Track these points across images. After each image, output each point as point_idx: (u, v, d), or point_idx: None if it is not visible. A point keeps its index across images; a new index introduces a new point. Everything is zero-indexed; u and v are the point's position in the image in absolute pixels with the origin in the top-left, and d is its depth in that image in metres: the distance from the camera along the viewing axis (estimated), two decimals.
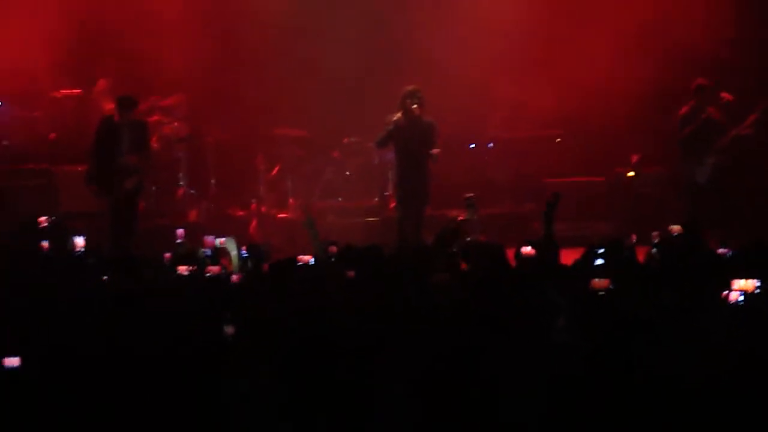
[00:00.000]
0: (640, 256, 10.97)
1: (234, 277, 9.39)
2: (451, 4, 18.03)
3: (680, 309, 7.03)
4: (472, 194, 14.95)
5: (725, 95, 15.36)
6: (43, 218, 11.85)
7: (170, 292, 8.45)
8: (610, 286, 7.29)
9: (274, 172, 17.68)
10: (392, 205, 16.96)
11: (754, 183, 16.53)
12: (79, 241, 10.30)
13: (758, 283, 7.24)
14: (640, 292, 7.42)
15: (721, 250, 10.51)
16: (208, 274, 8.97)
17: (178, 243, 10.84)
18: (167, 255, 10.80)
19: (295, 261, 9.97)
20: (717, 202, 15.38)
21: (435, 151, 14.47)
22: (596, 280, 7.33)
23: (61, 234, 11.27)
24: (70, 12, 17.17)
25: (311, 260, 10.15)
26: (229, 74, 17.81)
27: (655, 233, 11.96)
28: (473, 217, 14.83)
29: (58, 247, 10.55)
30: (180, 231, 11.07)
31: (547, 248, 9.97)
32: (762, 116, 15.41)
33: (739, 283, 7.24)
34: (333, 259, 10.11)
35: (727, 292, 7.27)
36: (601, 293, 7.26)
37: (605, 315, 6.94)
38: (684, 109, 15.46)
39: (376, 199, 17.63)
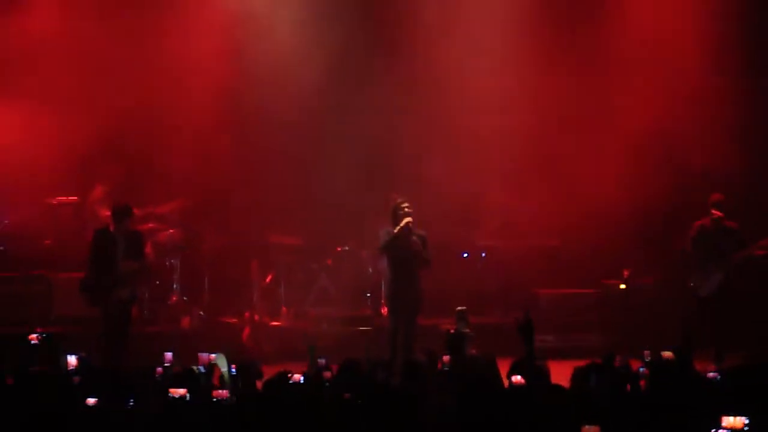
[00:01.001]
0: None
1: (224, 393, 9.41)
2: (443, 111, 18.19)
3: None
4: (464, 307, 15.04)
5: (715, 195, 15.50)
6: (34, 336, 11.80)
7: (163, 417, 8.46)
8: None
9: (268, 279, 17.76)
10: (385, 313, 17.05)
11: (756, 305, 16.67)
12: (72, 360, 10.30)
13: (746, 421, 7.27)
14: None
15: (710, 374, 10.59)
16: (214, 399, 9.00)
17: (167, 366, 10.74)
18: (159, 370, 10.83)
19: (287, 379, 10.01)
20: (715, 317, 15.42)
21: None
22: (587, 427, 7.34)
23: (53, 352, 11.25)
24: (65, 119, 17.32)
25: (301, 378, 10.16)
26: (224, 182, 17.95)
27: (646, 352, 12.05)
28: (465, 329, 14.90)
29: (50, 366, 10.54)
30: (168, 355, 10.97)
31: (532, 372, 10.01)
32: None
33: (728, 420, 7.28)
34: (327, 384, 10.12)
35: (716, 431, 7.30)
36: None
37: None
38: (702, 222, 15.53)
39: (369, 307, 17.70)
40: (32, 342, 11.81)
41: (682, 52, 17.79)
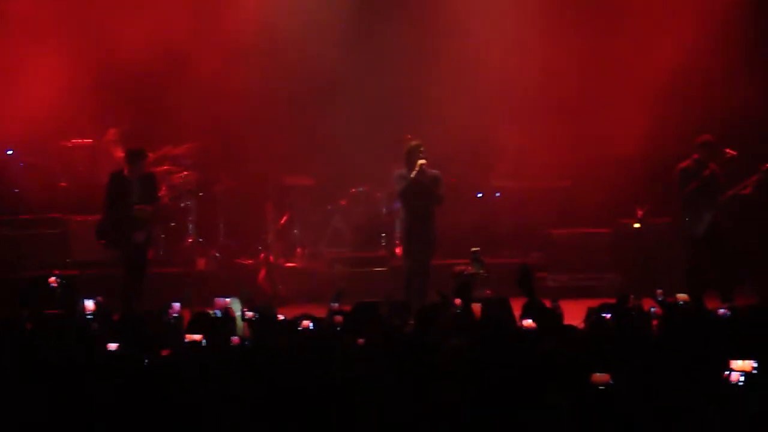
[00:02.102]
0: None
1: (235, 340, 9.48)
2: (457, 52, 18.13)
3: (681, 401, 7.09)
4: (478, 248, 15.08)
5: (729, 151, 15.45)
6: (53, 279, 11.86)
7: (181, 362, 8.54)
8: (611, 381, 7.33)
9: (283, 221, 17.80)
10: (399, 254, 17.11)
11: (750, 242, 16.73)
12: (89, 305, 10.37)
13: (755, 364, 7.32)
14: (641, 385, 7.46)
15: (721, 311, 10.63)
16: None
17: (174, 317, 10.77)
18: (176, 306, 10.90)
19: (297, 325, 10.02)
20: (712, 257, 15.46)
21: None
22: (597, 375, 7.38)
23: (71, 296, 11.32)
24: (80, 60, 17.31)
25: (311, 325, 10.15)
26: (239, 123, 17.94)
27: (659, 291, 12.08)
28: (480, 271, 14.97)
29: (68, 310, 10.61)
30: (176, 305, 11.00)
31: (543, 316, 10.07)
32: (763, 177, 15.51)
33: (737, 364, 7.32)
34: (339, 328, 10.17)
35: (727, 373, 7.35)
36: (602, 388, 7.31)
37: (607, 413, 7.00)
38: (686, 163, 15.55)
39: (383, 248, 17.77)
40: (51, 285, 11.83)
41: None
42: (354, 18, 18.20)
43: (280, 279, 17.04)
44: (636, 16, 18.07)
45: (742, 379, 7.31)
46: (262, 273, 16.99)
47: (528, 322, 9.62)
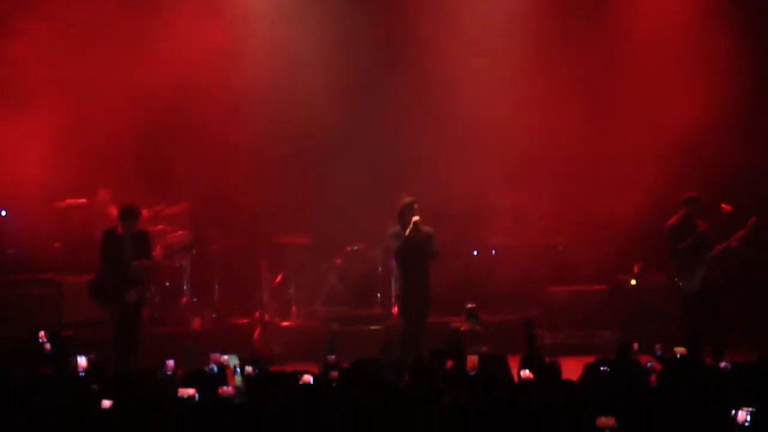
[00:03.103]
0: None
1: (230, 390, 9.40)
2: (451, 111, 18.18)
3: None
4: (473, 304, 15.00)
5: (725, 206, 15.48)
6: (42, 333, 11.71)
7: (174, 417, 8.44)
8: (616, 425, 7.25)
9: (278, 279, 17.74)
10: (395, 312, 17.05)
11: (741, 296, 16.74)
12: (82, 362, 10.27)
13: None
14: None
15: (722, 365, 10.57)
16: (220, 395, 8.97)
17: (168, 374, 10.67)
18: (170, 363, 10.79)
19: (297, 380, 9.96)
20: (706, 313, 15.43)
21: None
22: (603, 418, 7.30)
23: (63, 352, 11.22)
24: (72, 120, 17.31)
25: (311, 380, 10.09)
26: (234, 181, 17.93)
27: (657, 345, 12.02)
28: (475, 327, 14.86)
29: (59, 367, 10.50)
30: (170, 362, 10.90)
31: (542, 367, 10.00)
32: (750, 231, 15.53)
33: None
34: (334, 384, 10.08)
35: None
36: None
37: None
38: (674, 220, 15.62)
39: (379, 306, 17.70)
40: (41, 341, 11.69)
41: (696, 55, 17.82)
42: (350, 79, 18.25)
43: (275, 338, 16.94)
44: (631, 79, 18.14)
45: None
46: (257, 332, 16.90)
47: (526, 373, 9.55)
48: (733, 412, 7.35)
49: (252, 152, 18.07)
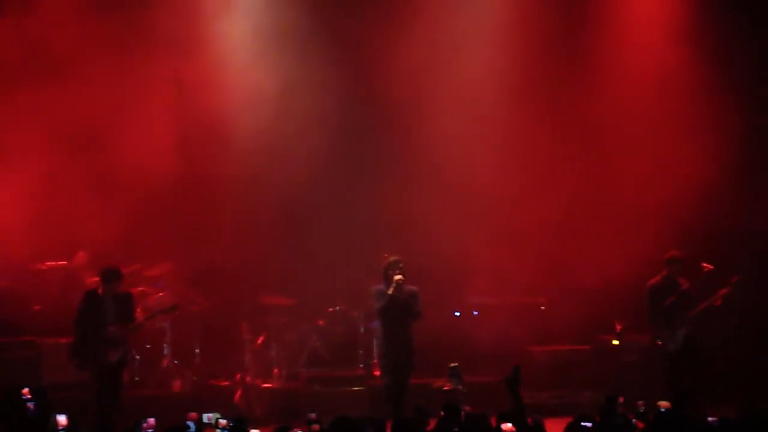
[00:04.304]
0: None
1: None
2: (433, 170, 18.23)
3: None
4: (456, 364, 14.93)
5: (706, 265, 15.55)
6: (25, 390, 11.57)
7: None
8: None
9: (259, 341, 17.65)
10: (377, 374, 16.98)
11: (723, 354, 16.75)
12: (62, 420, 10.19)
13: None
14: None
15: (710, 419, 10.56)
16: None
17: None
18: (151, 421, 10.72)
19: None
20: (689, 371, 15.42)
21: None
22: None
23: (44, 410, 11.10)
24: (48, 182, 17.29)
25: None
26: (214, 243, 17.90)
27: (640, 402, 12.00)
28: (458, 386, 14.79)
29: (40, 425, 10.41)
30: (151, 420, 10.81)
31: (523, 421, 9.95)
32: (732, 290, 15.58)
33: None
34: None
35: None
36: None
37: None
38: (655, 280, 15.71)
39: (361, 367, 17.62)
40: (24, 397, 11.50)
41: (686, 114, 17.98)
42: (333, 139, 18.28)
43: (257, 399, 16.82)
44: (613, 139, 18.24)
45: None
46: (238, 393, 16.78)
47: (507, 426, 9.48)
48: None
49: (233, 212, 18.05)
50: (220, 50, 18.08)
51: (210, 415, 10.70)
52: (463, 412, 11.61)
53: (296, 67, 18.25)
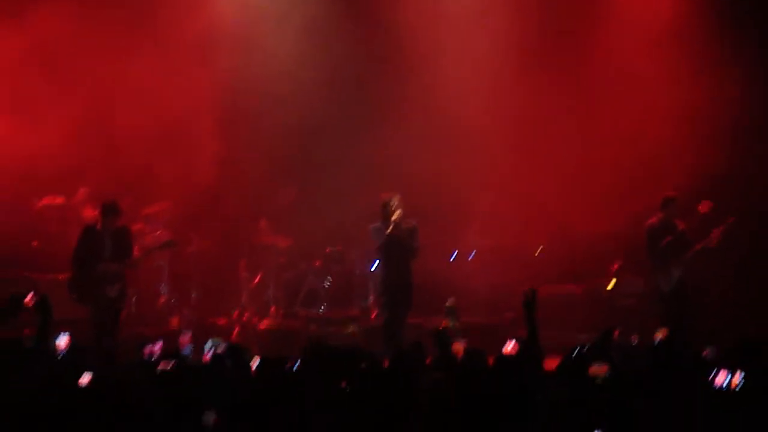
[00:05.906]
0: None
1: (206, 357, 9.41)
2: (431, 113, 18.24)
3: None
4: (452, 300, 15.02)
5: (706, 203, 15.58)
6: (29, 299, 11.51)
7: (152, 385, 8.44)
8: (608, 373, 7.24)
9: (257, 280, 17.71)
10: (373, 314, 17.06)
11: (717, 295, 16.81)
12: (63, 340, 10.23)
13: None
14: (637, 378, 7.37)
15: (705, 353, 10.61)
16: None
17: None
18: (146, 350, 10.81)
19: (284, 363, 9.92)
20: (680, 312, 15.50)
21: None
22: (595, 366, 7.29)
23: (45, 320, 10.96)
24: (53, 120, 17.28)
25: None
26: (213, 182, 17.91)
27: (634, 336, 12.06)
28: (455, 323, 14.89)
29: (41, 342, 10.44)
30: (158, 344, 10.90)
31: (532, 347, 9.99)
32: (728, 230, 15.62)
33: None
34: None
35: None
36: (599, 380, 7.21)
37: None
38: (652, 220, 15.71)
39: (358, 308, 17.69)
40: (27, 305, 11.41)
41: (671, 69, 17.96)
42: (329, 81, 18.31)
43: (254, 338, 16.90)
44: (609, 83, 18.25)
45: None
46: (236, 331, 16.87)
47: (509, 348, 9.50)
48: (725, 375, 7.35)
49: (231, 153, 18.08)
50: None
51: (210, 341, 10.75)
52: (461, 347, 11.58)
53: (297, 15, 18.31)
